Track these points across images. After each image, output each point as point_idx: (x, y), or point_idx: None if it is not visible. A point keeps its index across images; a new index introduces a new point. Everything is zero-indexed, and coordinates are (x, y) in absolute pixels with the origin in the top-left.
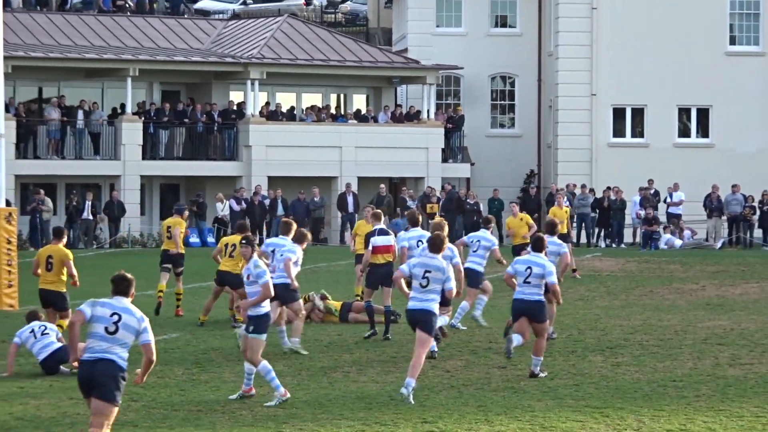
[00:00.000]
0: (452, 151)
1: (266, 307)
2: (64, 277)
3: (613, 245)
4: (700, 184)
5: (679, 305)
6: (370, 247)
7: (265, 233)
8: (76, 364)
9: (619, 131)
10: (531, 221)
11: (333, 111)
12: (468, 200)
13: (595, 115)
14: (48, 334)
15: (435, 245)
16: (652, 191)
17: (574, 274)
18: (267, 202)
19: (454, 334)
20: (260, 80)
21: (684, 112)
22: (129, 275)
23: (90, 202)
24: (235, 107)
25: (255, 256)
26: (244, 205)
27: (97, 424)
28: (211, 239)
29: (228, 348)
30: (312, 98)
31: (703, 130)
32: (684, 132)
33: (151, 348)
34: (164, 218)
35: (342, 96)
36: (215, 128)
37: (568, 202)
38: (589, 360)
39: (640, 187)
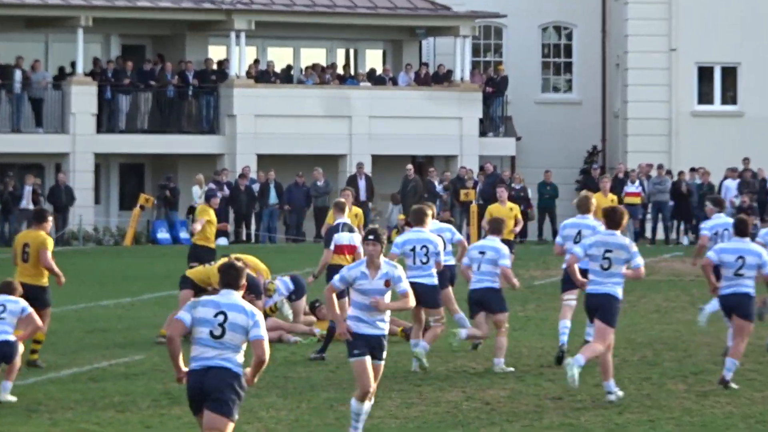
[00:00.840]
0: (492, 122)
1: None
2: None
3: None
4: None
5: None
6: (332, 246)
7: (253, 226)
8: (184, 381)
9: (705, 97)
10: (520, 214)
11: (340, 71)
12: (513, 184)
13: (676, 76)
14: (3, 318)
15: (612, 220)
16: (749, 174)
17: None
18: (256, 187)
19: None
20: (247, 32)
21: None
22: (238, 263)
23: (30, 188)
24: (215, 66)
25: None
26: (226, 191)
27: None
28: (184, 234)
29: None
30: (313, 55)
31: None
32: None
33: (263, 345)
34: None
35: (352, 52)
36: (190, 93)
37: (640, 187)
38: (668, 389)
39: (730, 167)
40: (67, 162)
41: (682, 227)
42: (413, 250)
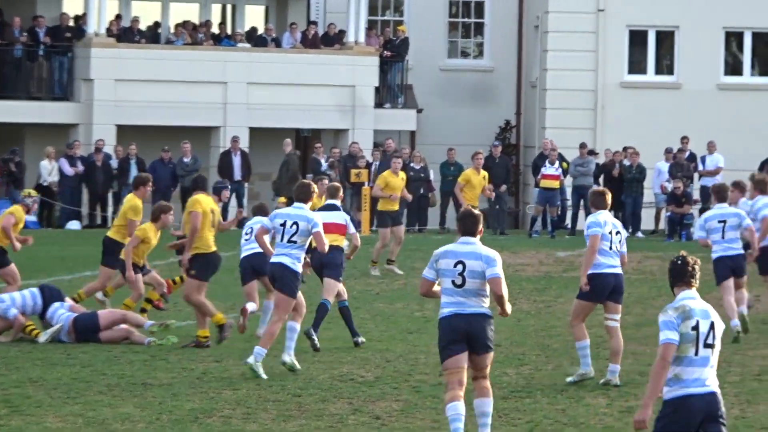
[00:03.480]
0: (390, 91)
1: None
2: None
3: (627, 233)
4: (758, 143)
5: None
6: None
7: (110, 209)
8: None
9: (638, 65)
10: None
11: (215, 30)
12: (412, 164)
13: (603, 40)
14: None
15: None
16: (686, 154)
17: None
18: (114, 163)
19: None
20: None
21: (734, 38)
22: (476, 211)
23: None
24: (71, 23)
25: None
26: (80, 167)
27: (481, 377)
28: (32, 217)
29: (52, 380)
30: (185, 11)
31: (763, 65)
32: (734, 68)
33: (499, 282)
34: None
35: (229, 8)
36: (40, 53)
37: (559, 168)
38: (587, 403)
39: (668, 148)
40: None
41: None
42: (283, 225)
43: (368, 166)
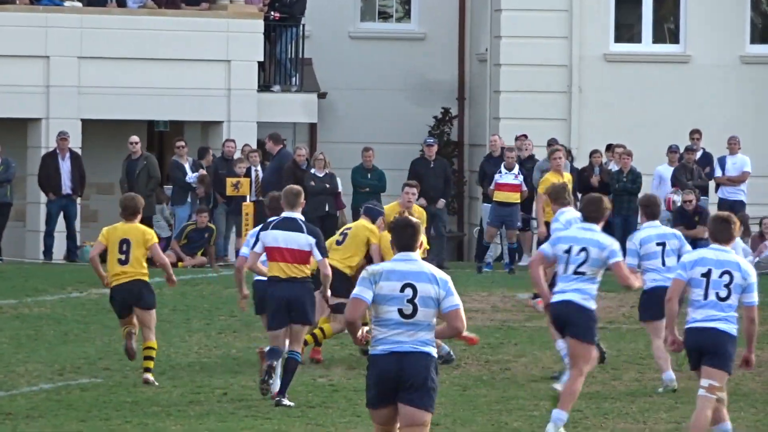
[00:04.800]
0: (281, 68)
1: None
2: None
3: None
4: None
5: None
6: (259, 248)
7: None
8: None
9: (628, 31)
10: None
11: None
12: (313, 170)
13: None
14: None
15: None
16: (697, 155)
17: None
18: None
19: None
20: None
21: None
22: (414, 219)
23: None
24: None
25: None
26: None
27: None
28: None
29: None
30: None
31: None
32: (764, 34)
33: (460, 316)
34: None
35: None
36: None
37: (519, 175)
38: None
39: (672, 146)
40: None
41: None
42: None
43: (248, 173)
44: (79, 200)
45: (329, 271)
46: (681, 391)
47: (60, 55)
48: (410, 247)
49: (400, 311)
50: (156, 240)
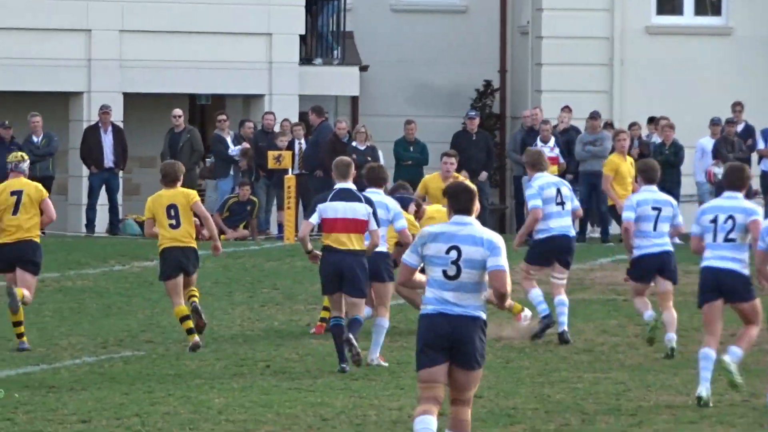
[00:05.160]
0: (322, 41)
1: None
2: None
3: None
4: None
5: None
6: (315, 219)
7: None
8: None
9: (670, 4)
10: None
11: None
12: (354, 143)
13: None
14: None
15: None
16: (739, 127)
17: None
18: None
19: None
20: None
21: None
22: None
23: None
24: None
25: None
26: None
27: (460, 402)
28: None
29: None
30: None
31: None
32: None
33: (504, 277)
34: None
35: None
36: None
37: (555, 148)
38: None
39: (714, 119)
40: None
41: None
42: None
43: (291, 146)
44: (121, 173)
45: (379, 242)
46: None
47: (102, 29)
48: (466, 210)
49: (444, 272)
50: (198, 198)
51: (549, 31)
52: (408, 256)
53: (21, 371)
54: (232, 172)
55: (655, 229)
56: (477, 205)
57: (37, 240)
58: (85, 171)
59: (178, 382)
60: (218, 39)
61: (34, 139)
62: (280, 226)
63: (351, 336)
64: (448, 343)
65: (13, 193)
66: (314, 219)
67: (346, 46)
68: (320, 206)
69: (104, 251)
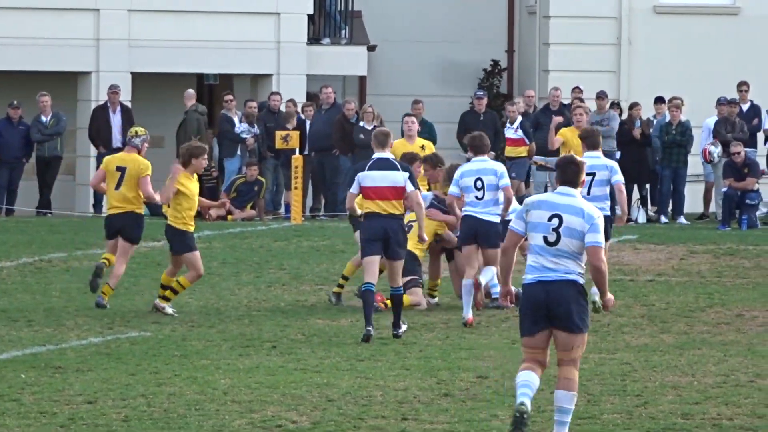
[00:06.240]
0: (330, 20)
1: None
2: None
3: (663, 218)
4: None
5: None
6: (355, 188)
7: None
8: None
9: None
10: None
11: None
12: (362, 123)
13: None
14: None
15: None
16: (744, 107)
17: None
18: None
19: None
20: None
21: None
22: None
23: None
24: None
25: None
26: None
27: (565, 362)
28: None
29: None
30: None
31: None
32: None
33: (600, 252)
34: None
35: None
36: None
37: (519, 129)
38: None
39: (720, 98)
40: None
41: (635, 193)
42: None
43: (300, 126)
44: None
45: (422, 201)
46: (730, 344)
47: (110, 8)
48: (572, 183)
49: (545, 238)
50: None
51: (556, 10)
52: (515, 223)
53: (28, 351)
54: (239, 152)
55: (588, 193)
56: (582, 178)
57: (140, 212)
58: (93, 151)
59: (184, 363)
60: (226, 18)
61: (43, 118)
62: (287, 206)
63: (372, 335)
64: (545, 309)
65: (118, 168)
66: (354, 188)
67: (354, 26)
68: (360, 175)
69: None
